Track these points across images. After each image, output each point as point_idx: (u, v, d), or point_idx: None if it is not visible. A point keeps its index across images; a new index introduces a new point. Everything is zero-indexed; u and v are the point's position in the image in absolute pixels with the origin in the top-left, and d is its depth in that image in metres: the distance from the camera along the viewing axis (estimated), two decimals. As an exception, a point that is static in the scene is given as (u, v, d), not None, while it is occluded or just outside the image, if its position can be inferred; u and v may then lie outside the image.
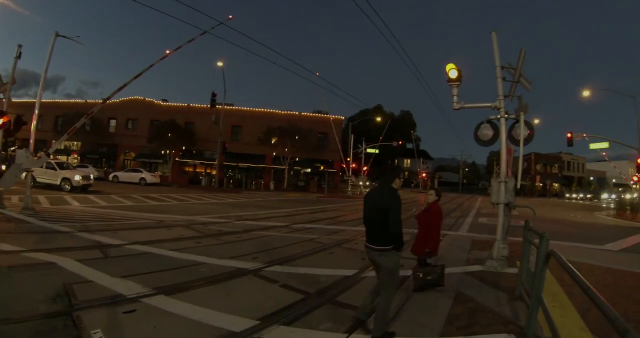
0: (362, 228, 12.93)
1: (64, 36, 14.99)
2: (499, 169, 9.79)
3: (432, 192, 6.44)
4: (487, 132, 8.94)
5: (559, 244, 11.51)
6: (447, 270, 6.98)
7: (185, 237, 9.76)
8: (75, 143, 48.83)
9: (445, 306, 5.22)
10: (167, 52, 15.43)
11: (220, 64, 34.65)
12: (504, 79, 8.58)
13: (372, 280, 6.17)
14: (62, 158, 47.02)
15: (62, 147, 48.76)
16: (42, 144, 48.40)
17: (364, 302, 4.46)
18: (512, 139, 8.81)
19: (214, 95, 33.44)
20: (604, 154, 35.93)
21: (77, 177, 23.22)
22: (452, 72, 8.50)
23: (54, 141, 15.26)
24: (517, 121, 8.48)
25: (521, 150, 8.70)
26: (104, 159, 48.46)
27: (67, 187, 22.93)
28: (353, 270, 6.97)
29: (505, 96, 8.55)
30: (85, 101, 50.86)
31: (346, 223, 14.67)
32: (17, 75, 15.43)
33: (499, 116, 8.54)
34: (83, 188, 23.71)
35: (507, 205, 8.33)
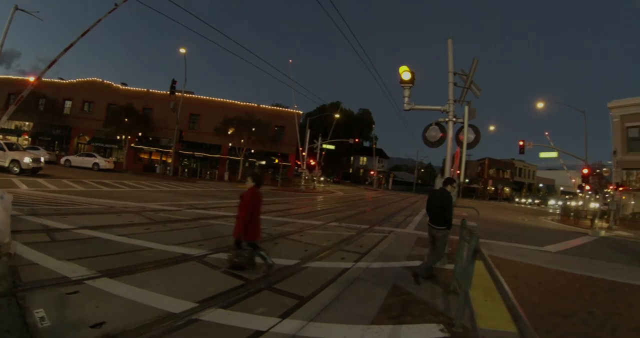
0: (309, 221, 13.24)
1: (23, 10, 14.39)
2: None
3: (249, 178, 6.34)
4: (434, 133, 9.31)
5: (502, 244, 12.37)
6: (387, 265, 7.50)
7: (134, 223, 9.71)
8: (27, 123, 46.08)
9: (380, 297, 5.43)
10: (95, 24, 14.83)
11: (182, 51, 33.81)
12: (455, 84, 8.91)
13: (313, 270, 6.58)
14: (13, 139, 44.48)
15: (13, 127, 46.34)
16: None
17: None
18: (459, 142, 9.14)
19: (173, 82, 32.58)
20: (561, 161, 37.83)
21: (27, 160, 22.15)
22: (405, 74, 8.82)
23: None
24: (463, 124, 8.78)
25: (464, 153, 9.02)
26: (56, 142, 46.19)
27: (16, 169, 21.77)
28: (294, 260, 7.14)
29: (455, 101, 8.89)
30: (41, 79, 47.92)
31: (295, 216, 14.86)
32: None
33: (447, 119, 8.87)
34: (33, 172, 22.67)
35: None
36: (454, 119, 8.81)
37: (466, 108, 8.71)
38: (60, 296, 4.34)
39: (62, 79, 48.77)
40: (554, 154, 32.77)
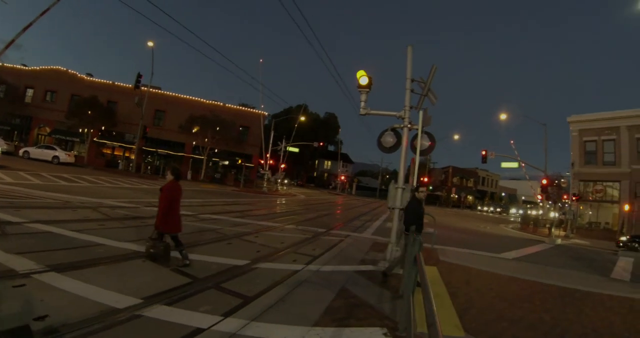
0: (266, 223, 13.51)
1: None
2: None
3: (169, 171, 6.62)
4: (389, 139, 9.33)
5: (458, 251, 12.61)
6: (338, 268, 7.61)
7: (89, 219, 9.65)
8: (-16, 111, 43.78)
9: (326, 300, 5.46)
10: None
11: (150, 44, 33.24)
12: (412, 91, 8.93)
13: (263, 271, 6.69)
14: None
15: (-30, 115, 43.91)
16: None
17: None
18: (414, 148, 9.21)
19: (139, 76, 31.61)
20: (524, 171, 39.19)
21: None
22: (362, 79, 8.79)
23: None
24: (422, 131, 8.91)
25: (417, 160, 9.56)
26: (16, 132, 43.68)
27: (-32, 158, 21.00)
28: (245, 260, 7.24)
29: (411, 107, 8.88)
30: (2, 64, 44.98)
31: (253, 217, 14.89)
32: None
33: (402, 125, 8.92)
34: None
35: (401, 210, 8.59)
36: (409, 126, 8.87)
37: (420, 114, 8.84)
38: (5, 289, 4.38)
39: (25, 65, 46.44)
40: (514, 164, 33.63)
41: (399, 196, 8.68)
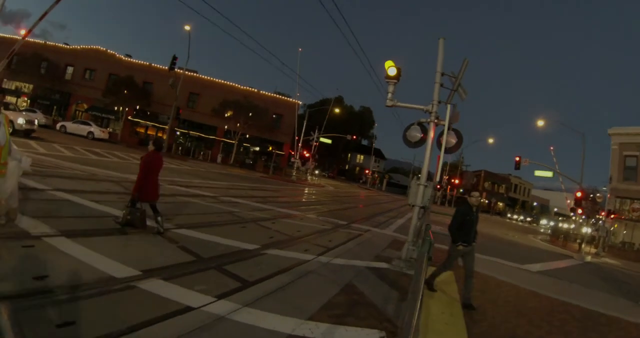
0: (287, 210, 13.44)
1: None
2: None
3: (151, 142, 6.91)
4: (415, 133, 8.94)
5: (480, 258, 11.01)
6: (350, 263, 7.36)
7: (110, 191, 9.96)
8: (26, 85, 45.96)
9: (329, 293, 5.25)
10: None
11: (187, 28, 33.75)
12: (441, 85, 8.56)
13: (270, 258, 6.57)
14: (12, 99, 44.44)
15: (13, 88, 46.12)
16: None
17: None
18: (440, 145, 8.75)
19: (174, 58, 32.22)
20: (561, 181, 37.88)
21: (21, 120, 22.13)
22: (391, 69, 8.50)
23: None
24: (448, 128, 8.47)
25: (441, 157, 9.30)
26: (55, 107, 45.57)
27: (9, 129, 21.93)
28: (255, 245, 7.17)
29: (439, 102, 8.54)
30: (45, 42, 47.64)
31: (274, 203, 14.99)
32: None
33: (429, 120, 8.56)
34: (26, 133, 22.59)
35: (423, 208, 8.37)
36: (436, 121, 8.51)
37: (448, 109, 8.44)
38: (15, 248, 4.55)
39: (67, 44, 48.41)
40: (549, 173, 32.33)
41: (420, 193, 8.32)
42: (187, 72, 39.34)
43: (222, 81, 46.37)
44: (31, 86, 45.58)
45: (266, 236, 8.36)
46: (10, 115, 22.04)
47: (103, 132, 35.71)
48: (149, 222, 6.63)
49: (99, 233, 5.88)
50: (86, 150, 21.60)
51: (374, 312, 4.89)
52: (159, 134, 44.05)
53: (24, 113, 25.43)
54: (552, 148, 38.40)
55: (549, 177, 33.52)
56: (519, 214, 74.77)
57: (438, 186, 12.46)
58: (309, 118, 42.13)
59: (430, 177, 9.36)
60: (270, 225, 9.94)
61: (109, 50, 46.00)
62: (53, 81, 44.24)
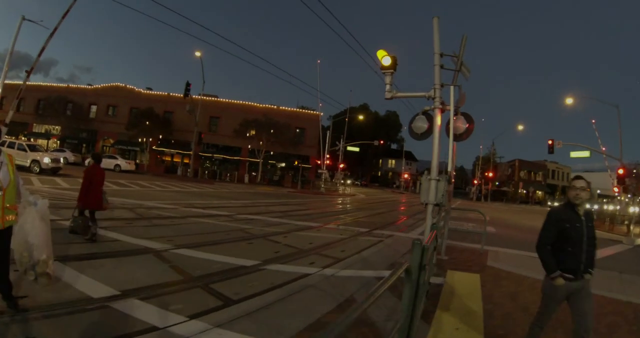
0: (306, 223, 13.16)
1: (30, 20, 15.31)
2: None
3: (90, 157, 7.65)
4: (421, 124, 8.17)
5: (513, 253, 10.69)
6: (358, 274, 6.72)
7: (120, 217, 10.17)
8: (55, 127, 48.39)
9: (320, 311, 4.72)
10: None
11: (198, 54, 34.62)
12: (442, 66, 7.80)
13: (268, 273, 6.21)
14: (43, 142, 46.75)
15: (43, 131, 48.70)
16: (22, 126, 48.32)
17: None
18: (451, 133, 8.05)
19: (188, 84, 33.13)
20: (606, 162, 35.68)
21: (46, 160, 23.28)
22: (385, 59, 7.88)
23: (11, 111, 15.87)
24: (456, 113, 7.89)
25: (450, 146, 8.11)
26: (83, 144, 48.07)
27: (37, 169, 23.02)
28: (255, 261, 6.85)
29: (442, 85, 7.77)
30: (68, 85, 50.59)
31: (294, 217, 14.69)
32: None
33: (433, 107, 7.76)
34: (53, 171, 23.79)
35: (438, 206, 7.54)
36: (441, 106, 7.70)
37: (452, 91, 7.73)
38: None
39: (90, 84, 51.08)
40: (585, 153, 30.61)
41: (432, 189, 7.39)
42: (204, 97, 40.28)
43: (241, 102, 47.38)
44: (59, 128, 47.95)
45: (272, 251, 8.02)
46: (36, 155, 23.24)
47: (129, 163, 37.10)
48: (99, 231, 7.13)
49: (92, 257, 5.96)
50: (109, 182, 22.04)
51: (369, 333, 4.14)
52: (185, 161, 45.01)
53: (48, 153, 26.53)
54: (594, 122, 36.01)
55: (587, 157, 31.28)
56: (559, 201, 71.61)
57: (453, 180, 11.09)
58: (334, 129, 42.06)
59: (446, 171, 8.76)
60: (281, 239, 9.58)
61: (128, 86, 48.37)
62: (79, 121, 46.73)
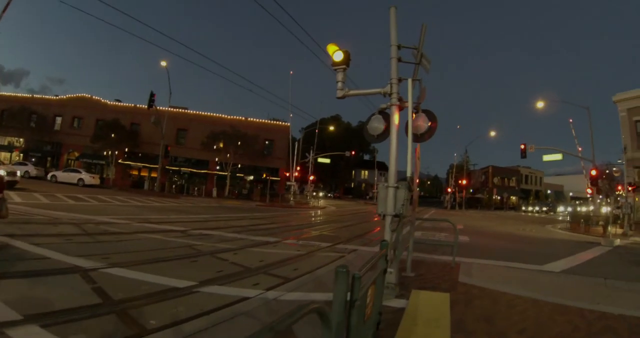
0: (263, 238, 12.55)
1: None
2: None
3: None
4: (377, 125, 7.36)
5: (489, 264, 9.83)
6: (307, 296, 5.93)
7: (61, 233, 9.58)
8: (19, 139, 46.82)
9: None
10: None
11: (163, 63, 34.02)
12: (399, 59, 6.94)
13: (200, 297, 5.56)
14: (5, 154, 45.37)
15: (6, 143, 47.16)
16: None
17: None
18: (413, 133, 7.21)
19: (152, 95, 32.23)
20: (582, 164, 35.84)
21: (1, 172, 22.36)
22: (336, 54, 7.06)
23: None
24: (416, 110, 7.11)
25: (409, 147, 6.95)
26: (48, 158, 46.66)
27: (-11, 182, 22.09)
28: (190, 282, 6.17)
29: (400, 80, 6.87)
30: (32, 96, 49.22)
31: (253, 232, 14.01)
32: None
33: (389, 104, 6.87)
34: (9, 185, 22.77)
35: (398, 217, 6.59)
36: (399, 103, 6.79)
37: (409, 84, 6.85)
38: None
39: (57, 95, 50.03)
40: (558, 156, 30.62)
41: (390, 197, 6.51)
42: (171, 109, 39.52)
43: (209, 113, 46.95)
44: (22, 140, 46.45)
45: (214, 270, 7.28)
46: None
47: (93, 178, 35.98)
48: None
49: (11, 276, 5.52)
50: (67, 196, 21.33)
51: None
52: (153, 175, 44.05)
53: (3, 166, 25.58)
54: (571, 120, 36.06)
55: (559, 160, 31.59)
56: (533, 205, 72.63)
57: (417, 187, 9.80)
58: (305, 140, 41.82)
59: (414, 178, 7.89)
60: (230, 256, 8.88)
61: (94, 97, 47.37)
62: (43, 133, 45.36)
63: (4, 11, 15.14)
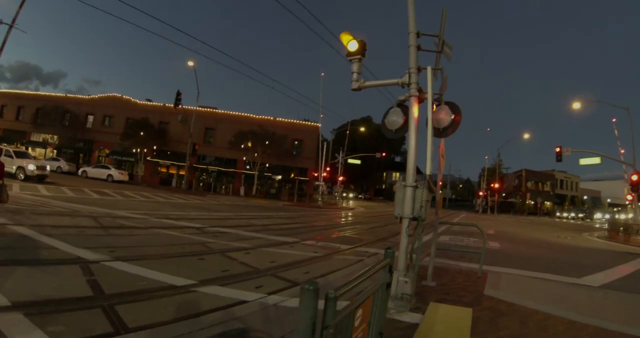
0: (281, 238, 12.41)
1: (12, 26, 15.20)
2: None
3: None
4: (396, 118, 6.81)
5: (521, 275, 9.13)
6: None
7: (77, 225, 9.78)
8: (53, 136, 49.01)
9: None
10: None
11: (191, 63, 34.63)
12: (419, 47, 6.38)
13: (196, 297, 5.26)
14: (40, 150, 47.34)
15: (41, 140, 49.25)
16: (21, 135, 48.96)
17: None
18: (435, 126, 6.45)
19: (178, 94, 32.96)
20: (624, 169, 33.95)
21: (32, 167, 23.15)
22: (351, 44, 6.65)
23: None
24: (438, 102, 6.50)
25: (429, 143, 6.14)
26: (80, 154, 48.67)
27: (22, 175, 22.97)
28: (190, 280, 5.89)
29: (419, 69, 6.30)
30: (65, 95, 51.29)
31: (271, 232, 13.57)
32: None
33: (408, 95, 6.32)
34: (39, 179, 23.71)
35: (416, 220, 5.87)
36: (418, 94, 6.22)
37: (429, 72, 6.18)
38: None
39: (90, 95, 52.11)
40: (596, 160, 28.96)
41: (408, 198, 5.77)
42: (199, 108, 40.13)
43: (237, 113, 47.42)
44: (56, 137, 48.46)
45: (220, 269, 6.94)
46: (23, 162, 23.12)
47: (122, 174, 37.19)
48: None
49: (15, 263, 5.63)
50: (94, 191, 21.81)
51: None
52: (181, 172, 44.80)
53: (35, 160, 26.44)
54: (614, 120, 33.82)
55: (597, 164, 29.54)
56: (569, 211, 69.95)
57: (441, 183, 8.13)
58: (336, 141, 41.60)
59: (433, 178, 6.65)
60: (241, 256, 8.47)
61: (124, 96, 49.27)
62: (75, 130, 47.58)
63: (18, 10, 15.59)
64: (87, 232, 9.02)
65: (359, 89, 6.75)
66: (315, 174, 44.25)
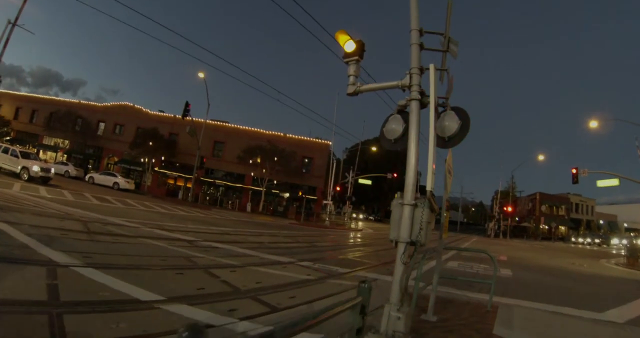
0: (275, 257, 11.92)
1: (15, 24, 15.39)
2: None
3: None
4: (395, 126, 5.94)
5: (534, 308, 8.25)
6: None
7: (62, 228, 9.65)
8: (64, 141, 50.09)
9: None
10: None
11: (201, 75, 34.93)
12: (421, 46, 5.74)
13: (157, 315, 4.82)
14: (51, 154, 48.21)
15: (52, 144, 50.27)
16: (33, 138, 50.10)
17: None
18: (437, 136, 5.50)
19: (187, 105, 33.09)
20: None
21: (36, 168, 23.44)
22: (348, 44, 6.12)
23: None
24: (444, 108, 5.74)
25: (431, 152, 5.19)
26: (89, 160, 49.71)
27: (25, 176, 23.30)
28: (158, 296, 5.46)
29: (421, 70, 5.61)
30: (79, 101, 52.64)
31: (267, 250, 13.22)
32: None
33: (409, 98, 5.58)
34: (43, 181, 23.99)
35: (413, 245, 4.99)
36: (420, 97, 5.46)
37: (432, 71, 5.38)
38: None
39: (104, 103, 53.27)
40: (614, 182, 27.80)
41: (406, 218, 4.91)
42: (210, 121, 40.41)
43: (247, 127, 47.66)
44: (67, 142, 49.65)
45: (196, 286, 6.48)
46: (27, 163, 23.43)
47: (128, 182, 37.62)
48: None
49: None
50: (95, 196, 21.87)
51: None
52: (188, 185, 44.72)
53: (40, 161, 26.72)
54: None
55: (614, 187, 28.44)
56: (584, 236, 67.82)
57: (447, 203, 7.42)
58: (347, 161, 41.29)
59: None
60: (226, 273, 7.96)
61: (136, 105, 50.26)
62: (86, 136, 48.68)
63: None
64: (70, 235, 8.85)
65: (355, 93, 6.14)
66: (324, 193, 43.95)
